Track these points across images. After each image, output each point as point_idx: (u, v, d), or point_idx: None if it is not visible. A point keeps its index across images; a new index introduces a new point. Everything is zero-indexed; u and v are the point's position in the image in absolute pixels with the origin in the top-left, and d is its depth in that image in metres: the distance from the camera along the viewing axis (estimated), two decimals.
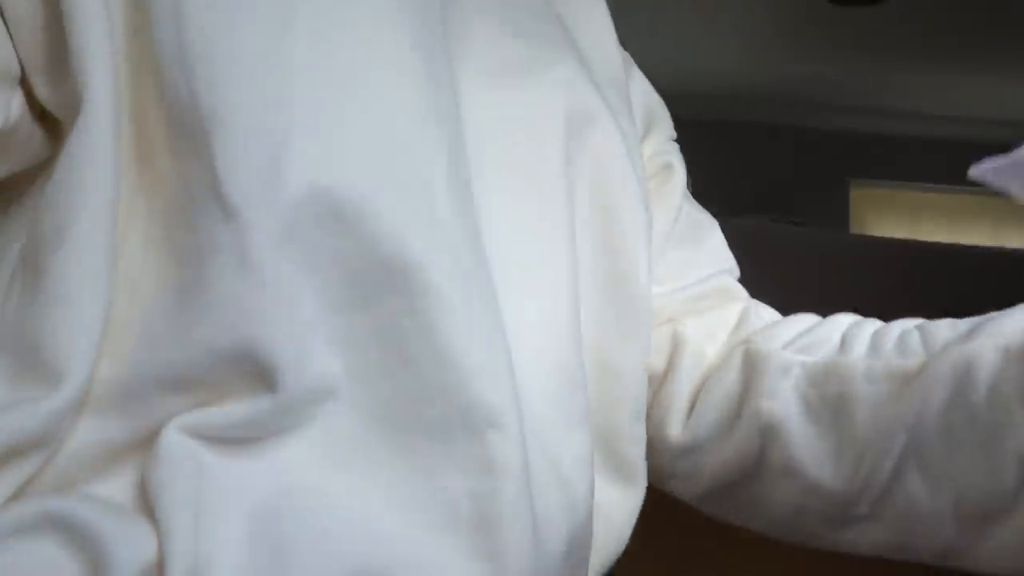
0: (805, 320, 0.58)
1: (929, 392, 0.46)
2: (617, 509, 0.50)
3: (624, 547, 0.51)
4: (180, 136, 0.34)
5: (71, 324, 0.33)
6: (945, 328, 0.49)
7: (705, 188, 4.12)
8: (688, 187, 0.64)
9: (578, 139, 0.48)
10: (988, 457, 0.44)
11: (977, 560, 0.47)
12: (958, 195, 3.57)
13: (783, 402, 0.52)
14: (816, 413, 0.51)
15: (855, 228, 3.53)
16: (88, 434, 0.34)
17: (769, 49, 3.07)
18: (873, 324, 0.54)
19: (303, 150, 0.35)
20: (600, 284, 0.50)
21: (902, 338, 0.50)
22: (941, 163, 3.51)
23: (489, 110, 0.44)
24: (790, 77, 3.22)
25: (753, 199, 3.19)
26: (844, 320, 0.56)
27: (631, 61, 0.65)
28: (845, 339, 0.53)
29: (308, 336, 0.35)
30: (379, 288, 0.36)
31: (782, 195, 3.32)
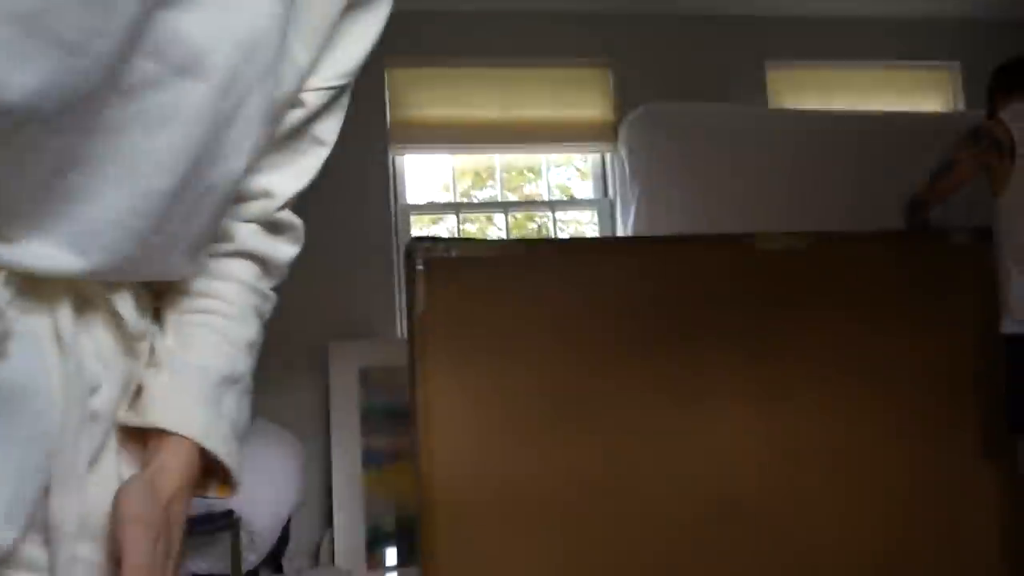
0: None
1: None
2: None
3: None
4: None
5: None
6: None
7: (629, 78, 4.06)
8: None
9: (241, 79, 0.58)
10: None
11: None
12: (867, 69, 3.64)
13: None
14: None
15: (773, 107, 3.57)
16: None
17: None
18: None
19: None
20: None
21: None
22: (851, 40, 3.57)
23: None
24: None
25: (676, 86, 3.21)
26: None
27: None
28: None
29: None
30: None
31: (702, 80, 3.34)
